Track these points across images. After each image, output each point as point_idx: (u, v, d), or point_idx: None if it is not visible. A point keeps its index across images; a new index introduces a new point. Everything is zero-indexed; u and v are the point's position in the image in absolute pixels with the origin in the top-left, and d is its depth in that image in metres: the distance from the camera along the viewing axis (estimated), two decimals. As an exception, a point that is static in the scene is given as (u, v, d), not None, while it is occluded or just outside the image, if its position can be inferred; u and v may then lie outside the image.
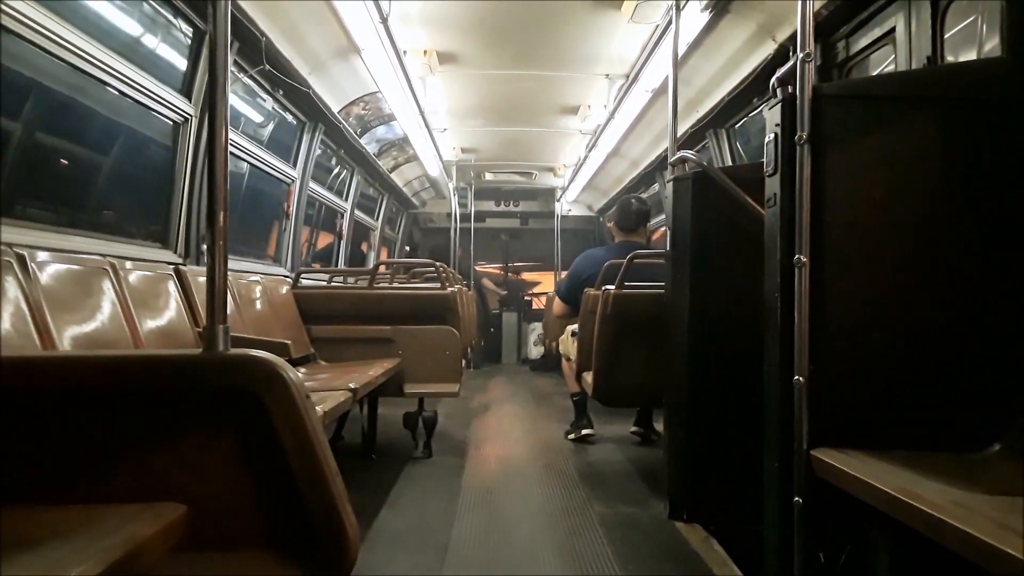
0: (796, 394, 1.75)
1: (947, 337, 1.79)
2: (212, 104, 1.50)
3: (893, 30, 3.01)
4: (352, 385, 2.90)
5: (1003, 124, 1.80)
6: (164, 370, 1.46)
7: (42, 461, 1.45)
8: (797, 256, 1.75)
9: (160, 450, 1.50)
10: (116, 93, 3.04)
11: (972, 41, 2.73)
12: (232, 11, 3.45)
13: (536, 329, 10.20)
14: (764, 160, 1.90)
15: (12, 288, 2.00)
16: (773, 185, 1.86)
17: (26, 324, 2.00)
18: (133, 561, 1.22)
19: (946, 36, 2.77)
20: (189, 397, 1.49)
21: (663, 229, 4.34)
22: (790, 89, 1.80)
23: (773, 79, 1.86)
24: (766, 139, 1.88)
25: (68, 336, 2.16)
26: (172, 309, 2.90)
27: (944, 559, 1.25)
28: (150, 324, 2.67)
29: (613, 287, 3.75)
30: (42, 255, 2.20)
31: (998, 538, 1.13)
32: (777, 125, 1.83)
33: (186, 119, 3.45)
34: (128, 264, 2.70)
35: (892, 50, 3.07)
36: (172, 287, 2.96)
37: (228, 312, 1.50)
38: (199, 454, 1.51)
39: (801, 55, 1.77)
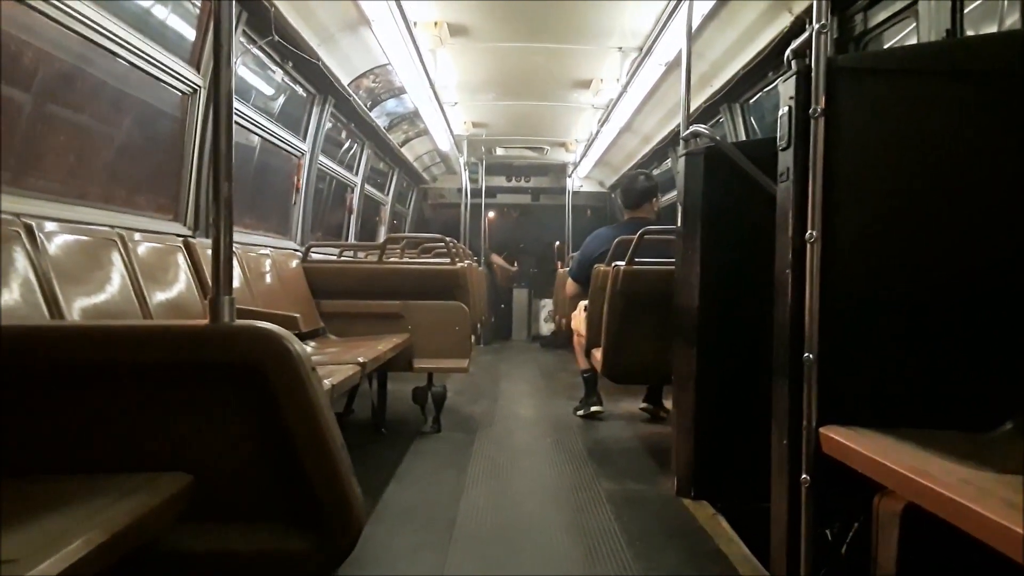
0: (806, 371, 1.73)
1: (960, 315, 1.76)
2: (217, 74, 1.48)
3: (912, 3, 2.95)
4: (361, 359, 2.91)
5: (1022, 97, 1.75)
6: (169, 341, 1.46)
7: (48, 431, 1.46)
8: (809, 232, 1.73)
9: (167, 421, 1.51)
10: (126, 64, 3.02)
11: (992, 16, 2.67)
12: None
13: (547, 306, 10.18)
14: (777, 134, 1.87)
15: (20, 258, 2.00)
16: (786, 159, 1.83)
17: (34, 295, 2.01)
18: (138, 530, 1.22)
19: (967, 10, 2.71)
20: (195, 368, 1.49)
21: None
22: (805, 61, 1.77)
23: (788, 51, 1.82)
24: (779, 112, 1.84)
25: (77, 307, 2.17)
26: (181, 281, 2.90)
27: (953, 538, 1.24)
28: (159, 296, 2.68)
29: (623, 263, 3.73)
30: (50, 225, 2.20)
31: (1008, 518, 1.11)
32: (791, 98, 1.80)
33: (195, 90, 3.43)
34: (137, 236, 2.70)
35: (910, 23, 3.01)
36: (181, 259, 2.96)
37: (237, 285, 1.50)
38: (206, 425, 1.52)
39: (817, 26, 1.73)
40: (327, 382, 2.38)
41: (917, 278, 1.77)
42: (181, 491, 1.41)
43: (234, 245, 1.49)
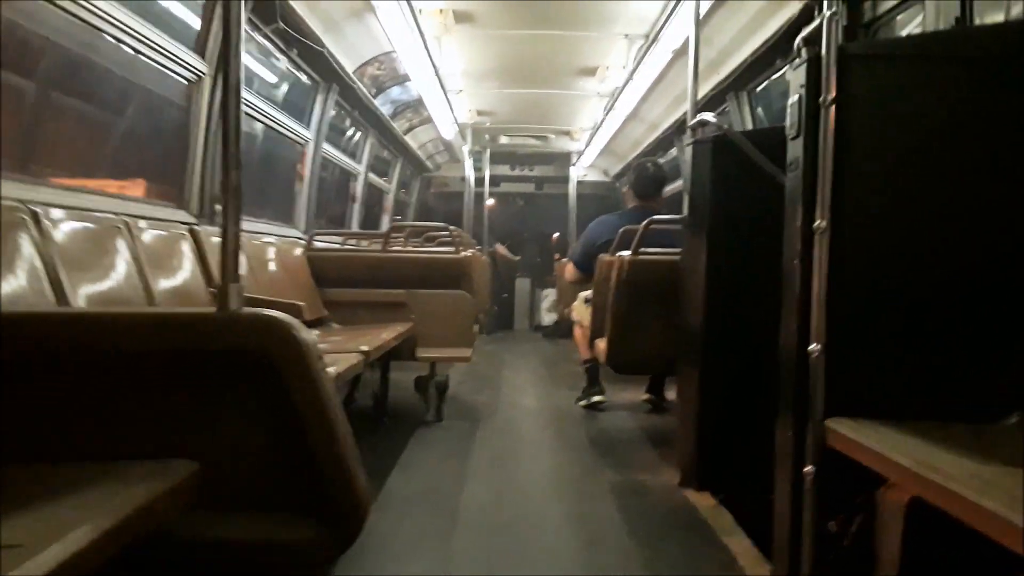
0: (812, 363, 1.72)
1: (967, 307, 1.75)
2: (226, 62, 1.47)
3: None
4: (364, 348, 2.90)
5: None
6: (177, 328, 1.46)
7: (54, 418, 1.46)
8: (818, 222, 1.71)
9: (174, 408, 1.51)
10: (131, 52, 3.01)
11: (1000, 6, 2.64)
12: (245, -33, 3.40)
13: (549, 295, 10.17)
14: (787, 123, 1.85)
15: (26, 245, 2.00)
16: (796, 149, 1.82)
17: (40, 281, 2.00)
18: (145, 517, 1.23)
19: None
20: (202, 356, 1.49)
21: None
22: (816, 49, 1.75)
23: (798, 38, 1.80)
24: (789, 101, 1.83)
25: (82, 294, 2.17)
26: (187, 269, 2.90)
27: (957, 532, 1.24)
28: (164, 283, 2.68)
29: (628, 253, 3.72)
30: (56, 212, 2.20)
31: (1013, 511, 1.11)
32: (801, 86, 1.78)
33: (200, 77, 3.41)
34: (142, 223, 2.70)
35: (919, 12, 2.98)
36: (186, 247, 2.96)
37: (242, 273, 1.49)
38: (213, 413, 1.52)
39: (828, 13, 1.71)
40: (331, 370, 2.38)
41: (925, 269, 1.76)
42: (188, 478, 1.41)
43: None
